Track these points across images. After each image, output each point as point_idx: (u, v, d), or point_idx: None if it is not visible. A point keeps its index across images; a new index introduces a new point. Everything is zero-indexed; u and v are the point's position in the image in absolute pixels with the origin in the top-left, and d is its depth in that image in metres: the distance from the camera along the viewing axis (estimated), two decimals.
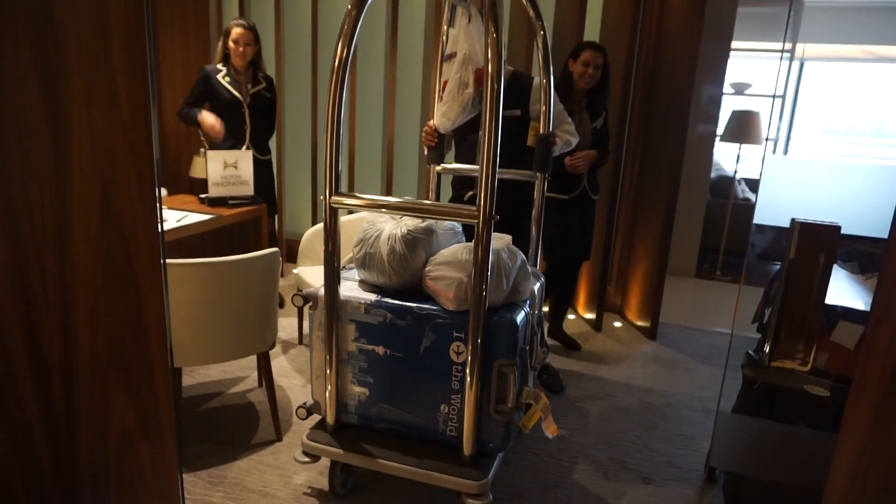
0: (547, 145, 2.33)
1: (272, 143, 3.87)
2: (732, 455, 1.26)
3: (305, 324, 3.41)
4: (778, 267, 2.21)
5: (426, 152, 2.49)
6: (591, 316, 4.01)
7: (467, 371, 1.71)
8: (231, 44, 3.39)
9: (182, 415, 2.57)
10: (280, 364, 3.18)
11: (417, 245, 1.89)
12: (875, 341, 1.10)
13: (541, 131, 2.33)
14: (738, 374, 3.38)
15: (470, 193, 2.85)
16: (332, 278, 1.81)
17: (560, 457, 2.52)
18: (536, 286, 2.11)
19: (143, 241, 1.27)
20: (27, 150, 1.12)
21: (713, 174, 5.51)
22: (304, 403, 2.00)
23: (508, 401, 1.78)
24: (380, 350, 1.86)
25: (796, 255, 1.11)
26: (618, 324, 4.06)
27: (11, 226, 1.14)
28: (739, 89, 6.90)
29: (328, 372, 1.87)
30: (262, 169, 3.65)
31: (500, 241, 1.89)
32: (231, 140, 3.54)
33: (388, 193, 4.49)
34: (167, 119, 4.66)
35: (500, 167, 2.43)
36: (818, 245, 1.08)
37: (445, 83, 2.25)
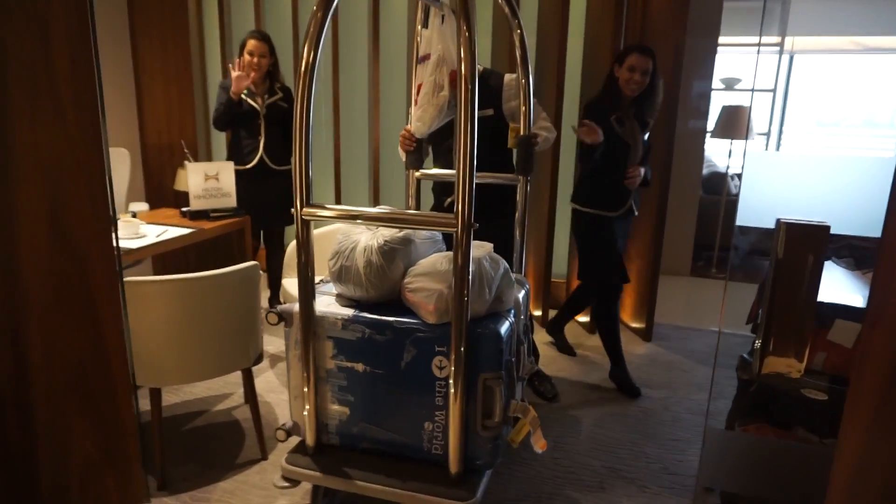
0: (528, 146, 2.27)
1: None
2: (723, 472, 1.20)
3: None
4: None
5: (404, 158, 2.42)
6: (584, 318, 3.95)
7: (451, 386, 1.64)
8: (246, 55, 3.35)
9: (165, 435, 2.49)
10: (267, 379, 3.11)
11: (395, 256, 1.82)
12: (870, 343, 1.04)
13: (521, 132, 2.25)
14: (732, 374, 3.32)
15: (449, 199, 2.79)
16: (307, 294, 1.73)
17: (554, 466, 2.45)
18: (521, 294, 2.04)
19: (98, 262, 1.21)
20: None
21: (705, 170, 5.46)
22: (283, 425, 1.92)
23: (495, 415, 1.70)
24: (359, 367, 1.78)
25: (783, 257, 1.05)
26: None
27: None
28: (730, 84, 6.86)
29: (306, 391, 1.79)
30: (276, 179, 3.56)
31: (481, 249, 1.82)
32: (245, 150, 3.51)
33: (376, 202, 4.43)
34: (149, 131, 4.60)
35: (478, 171, 2.37)
36: (806, 246, 1.02)
37: (420, 86, 2.17)
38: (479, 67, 2.64)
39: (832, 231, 1.05)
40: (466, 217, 1.49)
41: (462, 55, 1.46)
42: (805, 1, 7.01)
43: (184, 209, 3.34)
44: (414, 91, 2.24)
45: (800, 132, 9.03)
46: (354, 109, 4.43)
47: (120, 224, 2.95)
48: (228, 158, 3.58)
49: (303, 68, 1.58)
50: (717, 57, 4.89)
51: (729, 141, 5.17)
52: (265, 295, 3.88)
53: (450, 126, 2.65)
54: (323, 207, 1.67)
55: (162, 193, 4.57)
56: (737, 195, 5.63)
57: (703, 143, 5.10)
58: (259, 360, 2.48)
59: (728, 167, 5.37)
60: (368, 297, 1.85)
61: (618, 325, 3.18)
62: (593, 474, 2.42)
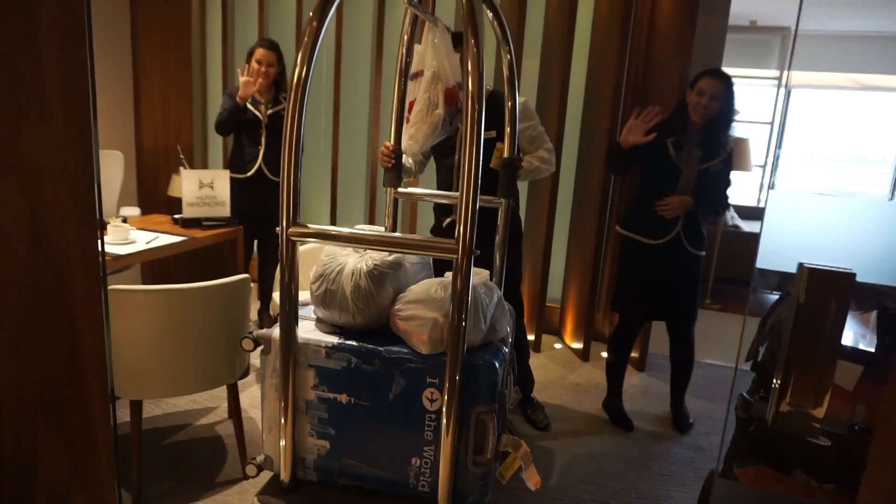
0: (512, 169, 2.18)
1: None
2: None
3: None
4: (773, 300, 2.10)
5: (384, 174, 2.29)
6: (577, 345, 3.90)
7: (443, 419, 1.55)
8: (254, 64, 3.32)
9: (144, 449, 2.41)
10: (253, 394, 3.03)
11: (384, 280, 1.73)
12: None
13: (505, 154, 2.16)
14: (722, 408, 3.27)
15: (448, 220, 2.74)
16: (289, 319, 1.60)
17: (544, 498, 2.38)
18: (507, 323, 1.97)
19: (78, 271, 1.15)
20: None
21: None
22: (254, 459, 1.78)
23: (487, 451, 1.62)
24: (343, 398, 1.67)
25: (805, 303, 1.00)
26: (605, 353, 3.93)
27: None
28: None
29: (283, 423, 1.67)
30: (274, 190, 3.48)
31: (477, 276, 1.76)
32: (244, 159, 3.47)
33: (371, 220, 4.38)
34: (145, 135, 4.54)
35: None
36: (830, 293, 0.97)
37: (412, 103, 2.11)
38: (487, 87, 2.60)
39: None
40: (468, 242, 1.43)
41: (469, 73, 1.40)
42: (806, 37, 7.08)
43: (176, 216, 3.27)
44: (403, 108, 2.17)
45: (793, 165, 9.09)
46: (354, 121, 4.39)
47: (109, 229, 2.88)
48: (229, 165, 3.53)
49: (295, 81, 1.50)
50: None
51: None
52: (254, 307, 3.81)
53: (451, 145, 2.61)
54: (311, 228, 1.55)
55: (155, 199, 4.50)
56: (733, 226, 5.62)
57: None
58: (245, 374, 2.41)
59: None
60: (354, 324, 1.74)
61: (625, 359, 3.11)
62: None
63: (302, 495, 1.73)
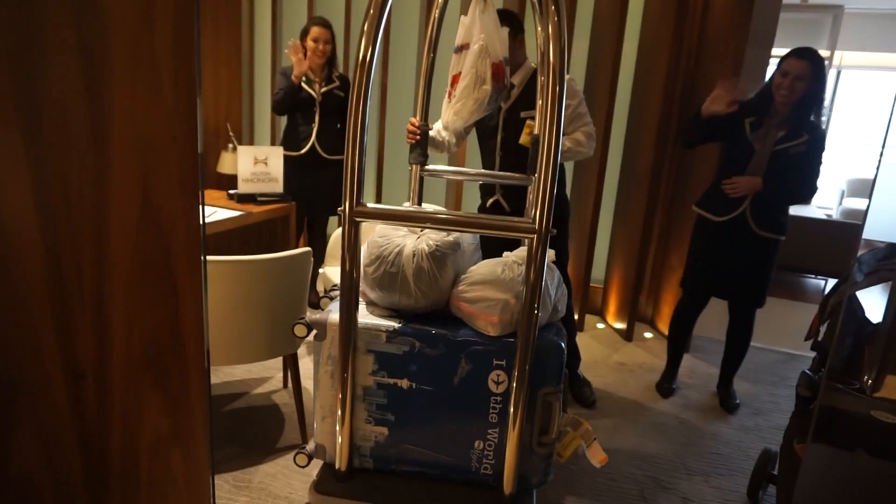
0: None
1: None
2: (824, 492, 1.16)
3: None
4: (832, 284, 2.09)
5: (410, 151, 2.23)
6: (621, 325, 3.91)
7: (511, 402, 1.53)
8: (311, 42, 3.37)
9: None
10: (305, 365, 3.11)
11: (446, 261, 1.69)
12: None
13: (535, 130, 2.11)
14: (773, 391, 3.26)
15: (492, 200, 2.74)
16: (350, 304, 1.55)
17: (594, 474, 2.42)
18: None
19: (182, 239, 1.21)
20: (67, 138, 1.06)
21: None
22: (304, 447, 1.75)
23: (552, 431, 1.63)
24: (404, 383, 1.64)
25: None
26: (648, 334, 3.95)
27: (48, 219, 1.08)
28: None
29: (341, 411, 1.63)
30: (327, 168, 3.57)
31: None
32: (298, 137, 3.54)
33: (378, 199, 4.43)
34: None
35: (519, 171, 2.28)
36: None
37: (455, 78, 2.06)
38: (532, 65, 2.58)
39: None
40: (545, 224, 1.42)
41: (551, 45, 1.39)
42: (857, 16, 6.87)
43: (231, 191, 3.36)
44: (449, 82, 2.11)
45: (839, 148, 8.85)
46: (401, 99, 4.42)
47: None
48: (283, 143, 3.60)
49: (359, 61, 1.45)
50: (769, 69, 4.79)
51: None
52: None
53: (494, 125, 2.60)
54: (375, 207, 1.52)
55: (204, 175, 4.61)
56: None
57: None
58: (299, 344, 2.49)
59: None
60: (415, 307, 1.71)
61: (682, 336, 3.16)
62: (634, 484, 2.39)
63: (359, 483, 1.69)
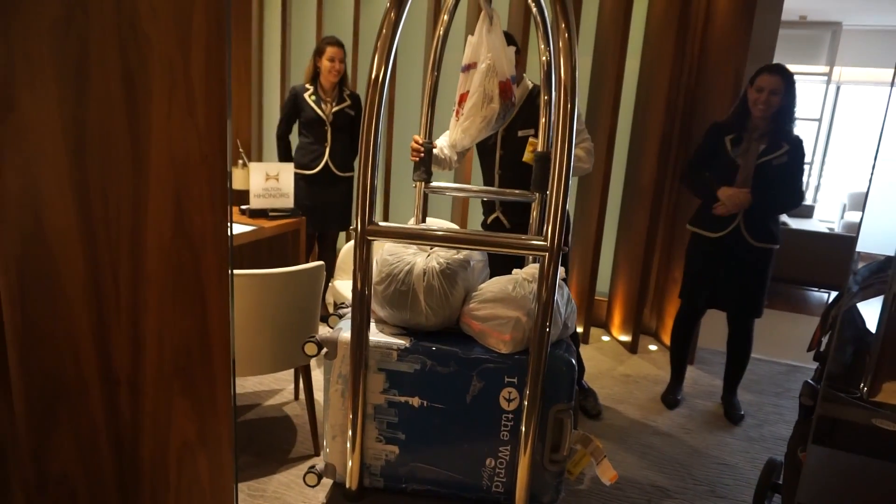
0: (546, 163, 2.14)
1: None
2: (826, 491, 1.21)
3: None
4: (833, 296, 2.15)
5: (414, 169, 2.22)
6: (626, 338, 3.96)
7: (523, 420, 1.53)
8: (327, 62, 3.46)
9: None
10: (315, 378, 3.16)
11: (456, 279, 1.70)
12: None
13: (539, 147, 2.14)
14: (776, 401, 3.30)
15: (493, 217, 2.78)
16: (362, 322, 1.55)
17: (604, 485, 2.46)
18: None
19: (211, 253, 1.27)
20: (108, 156, 1.13)
21: None
22: (313, 467, 1.74)
23: (563, 449, 1.63)
24: (415, 402, 1.64)
25: None
26: (653, 347, 3.99)
27: (89, 232, 1.15)
28: None
29: (353, 431, 1.62)
30: (339, 185, 3.69)
31: None
32: (310, 156, 3.62)
33: (385, 217, 4.50)
34: None
35: (518, 189, 2.32)
36: None
37: (463, 96, 2.10)
38: (528, 84, 2.64)
39: None
40: (556, 241, 1.45)
41: (562, 61, 1.41)
42: (855, 32, 6.97)
43: (243, 207, 3.43)
44: (456, 101, 2.16)
45: (839, 163, 8.92)
46: (408, 117, 4.50)
47: None
48: (295, 161, 3.68)
49: (372, 79, 1.44)
50: None
51: None
52: None
53: (493, 143, 2.66)
54: (388, 226, 1.54)
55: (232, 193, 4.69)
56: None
57: None
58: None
59: None
60: (425, 325, 1.72)
61: (683, 347, 3.22)
62: (641, 492, 2.43)
63: (369, 503, 1.69)
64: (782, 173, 2.75)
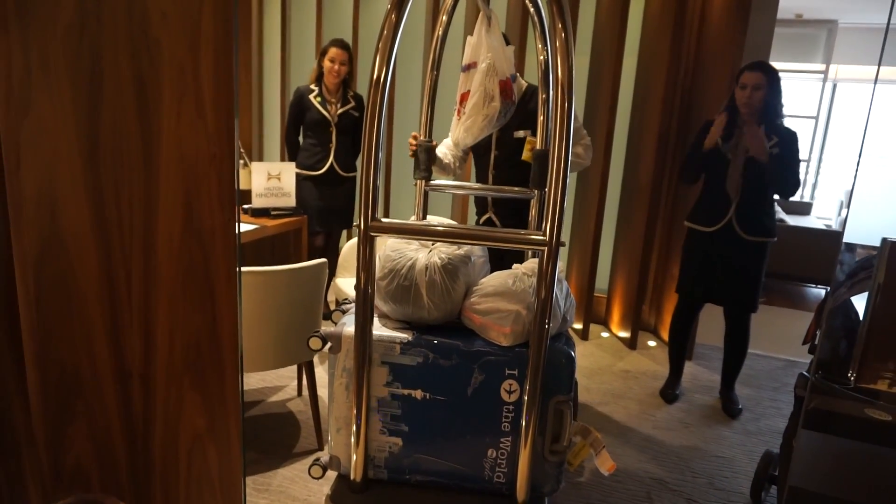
0: (544, 161, 2.17)
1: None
2: (816, 473, 1.24)
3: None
4: (825, 291, 2.19)
5: (414, 167, 2.25)
6: (625, 334, 4.00)
7: (524, 411, 1.57)
8: (328, 63, 3.49)
9: None
10: (318, 374, 3.20)
11: (458, 274, 1.73)
12: None
13: (538, 146, 2.18)
14: (774, 395, 3.35)
15: (485, 217, 2.77)
16: (365, 317, 1.57)
17: (602, 476, 2.50)
18: None
19: (220, 251, 1.31)
20: (121, 157, 1.17)
21: None
22: (318, 460, 1.76)
23: (563, 439, 1.67)
24: (417, 394, 1.68)
25: (886, 277, 1.09)
26: (652, 343, 4.03)
27: (103, 232, 1.18)
28: None
29: (357, 423, 1.66)
30: (344, 185, 3.74)
31: None
32: (315, 157, 3.65)
33: (386, 214, 4.54)
34: None
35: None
36: None
37: (464, 96, 2.13)
38: (523, 83, 2.66)
39: None
40: (555, 235, 1.49)
41: (559, 60, 1.44)
42: (851, 30, 7.01)
43: (245, 206, 3.46)
44: (457, 100, 2.19)
45: (837, 160, 8.97)
46: (407, 116, 4.54)
47: None
48: (299, 162, 3.70)
49: (373, 81, 1.47)
50: None
51: None
52: None
53: (487, 143, 2.68)
54: (391, 222, 1.57)
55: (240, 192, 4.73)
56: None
57: None
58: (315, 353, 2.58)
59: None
60: (428, 319, 1.75)
61: (680, 342, 3.27)
62: (640, 485, 2.47)
63: (374, 494, 1.72)
64: (773, 164, 2.81)
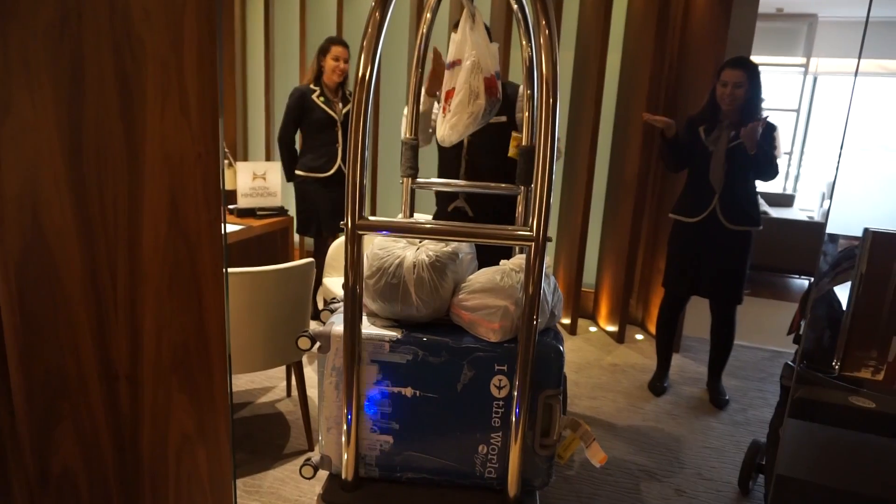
0: (531, 157, 2.18)
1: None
2: (803, 461, 1.26)
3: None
4: (808, 282, 2.22)
5: (400, 165, 2.25)
6: (612, 328, 4.02)
7: (513, 406, 1.58)
8: (331, 61, 3.42)
9: None
10: (307, 374, 3.19)
11: (446, 271, 1.74)
12: None
13: (523, 142, 2.19)
14: (761, 386, 3.38)
15: (453, 205, 2.72)
16: (354, 316, 1.57)
17: (592, 468, 2.52)
18: None
19: (206, 250, 1.30)
20: (104, 156, 1.15)
21: None
22: (309, 459, 1.76)
23: (553, 434, 1.68)
24: (407, 392, 1.68)
25: (868, 265, 1.11)
26: (639, 336, 4.06)
27: (87, 231, 1.17)
28: None
29: (348, 422, 1.65)
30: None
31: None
32: (323, 158, 3.56)
33: (373, 212, 4.52)
34: None
35: (486, 175, 2.36)
36: (892, 255, 1.08)
37: (449, 93, 2.14)
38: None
39: None
40: (542, 230, 1.49)
41: (543, 56, 1.46)
42: (831, 24, 7.09)
43: (231, 206, 3.44)
44: (442, 98, 2.19)
45: (818, 152, 9.07)
46: (392, 114, 4.53)
47: None
48: (301, 165, 3.60)
49: (358, 79, 1.47)
50: None
51: None
52: None
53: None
54: (378, 220, 1.57)
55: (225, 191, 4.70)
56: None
57: None
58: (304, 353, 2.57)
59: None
60: (417, 316, 1.76)
61: (667, 335, 3.29)
62: (629, 476, 2.49)
63: (366, 493, 1.72)
64: (757, 154, 2.85)
